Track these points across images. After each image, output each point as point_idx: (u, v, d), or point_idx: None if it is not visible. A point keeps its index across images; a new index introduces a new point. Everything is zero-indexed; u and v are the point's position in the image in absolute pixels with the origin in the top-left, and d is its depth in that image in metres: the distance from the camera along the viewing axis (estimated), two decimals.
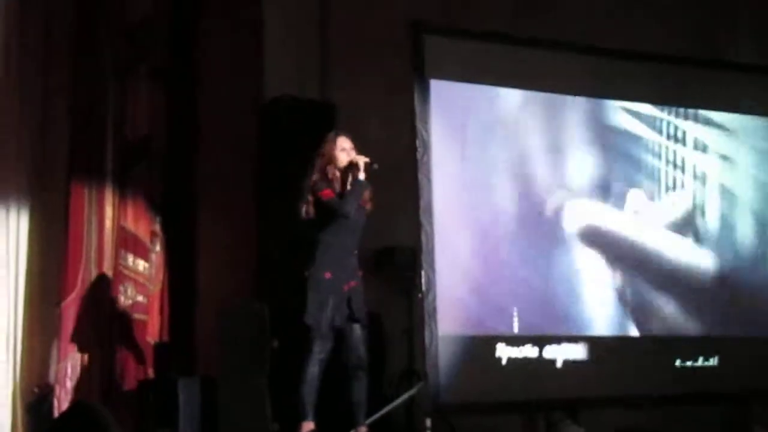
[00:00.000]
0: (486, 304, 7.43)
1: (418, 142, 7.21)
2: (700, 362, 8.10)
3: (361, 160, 5.74)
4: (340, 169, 5.78)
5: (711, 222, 8.36)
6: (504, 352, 7.43)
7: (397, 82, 7.58)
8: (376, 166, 5.76)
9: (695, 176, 8.34)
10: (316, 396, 5.68)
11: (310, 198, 5.75)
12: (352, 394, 5.78)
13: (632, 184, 8.11)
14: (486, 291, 7.45)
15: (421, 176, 7.20)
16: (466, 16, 8.19)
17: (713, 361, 8.13)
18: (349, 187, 5.76)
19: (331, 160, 5.80)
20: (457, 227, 7.39)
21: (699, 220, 8.31)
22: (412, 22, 7.37)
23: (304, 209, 5.78)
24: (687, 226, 8.27)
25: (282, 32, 7.85)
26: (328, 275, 5.65)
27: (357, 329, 5.75)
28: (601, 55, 8.19)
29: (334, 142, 5.85)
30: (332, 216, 5.70)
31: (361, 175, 5.73)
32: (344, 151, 5.81)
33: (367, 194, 5.82)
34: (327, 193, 5.68)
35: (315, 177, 5.76)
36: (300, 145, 7.41)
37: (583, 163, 7.93)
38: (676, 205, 8.26)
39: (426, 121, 7.29)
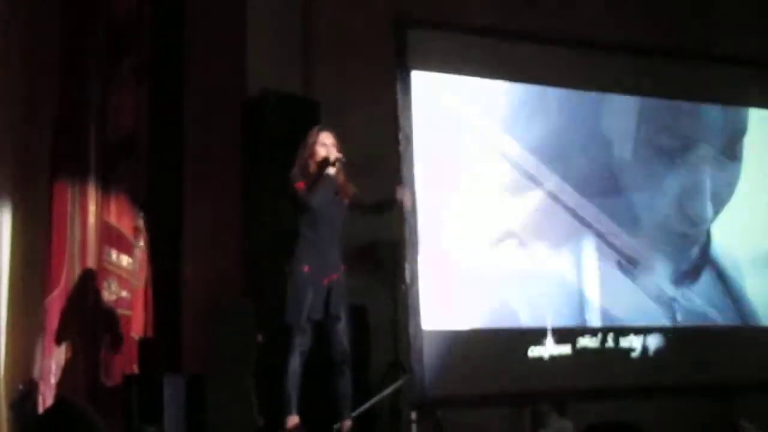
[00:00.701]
0: (470, 297, 7.45)
1: (400, 135, 7.23)
2: (684, 354, 8.13)
3: (332, 156, 5.77)
4: (317, 163, 5.81)
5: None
6: (489, 344, 7.45)
7: (380, 76, 7.58)
8: (344, 159, 5.79)
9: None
10: (300, 390, 5.68)
11: (289, 185, 5.80)
12: (337, 387, 5.80)
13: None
14: (470, 284, 7.47)
15: (404, 169, 7.21)
16: (454, 10, 8.19)
17: (697, 353, 8.17)
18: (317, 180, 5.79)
19: (312, 153, 5.82)
20: (440, 220, 7.40)
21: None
22: (395, 15, 7.37)
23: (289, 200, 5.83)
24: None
25: (265, 27, 7.84)
26: (306, 269, 5.68)
27: (339, 323, 5.76)
28: (586, 47, 8.21)
29: (317, 136, 5.91)
30: (301, 207, 5.74)
31: (331, 170, 5.75)
32: (324, 146, 5.86)
33: (349, 188, 5.85)
34: (300, 185, 5.73)
35: (295, 169, 5.80)
36: (284, 140, 7.43)
37: (569, 155, 7.95)
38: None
39: (409, 116, 7.31)
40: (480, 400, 7.50)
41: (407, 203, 6.05)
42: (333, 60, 8.05)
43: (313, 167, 5.84)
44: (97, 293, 7.26)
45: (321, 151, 5.86)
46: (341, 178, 5.86)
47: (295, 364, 5.68)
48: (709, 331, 8.32)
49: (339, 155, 5.81)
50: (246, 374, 6.50)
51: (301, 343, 5.67)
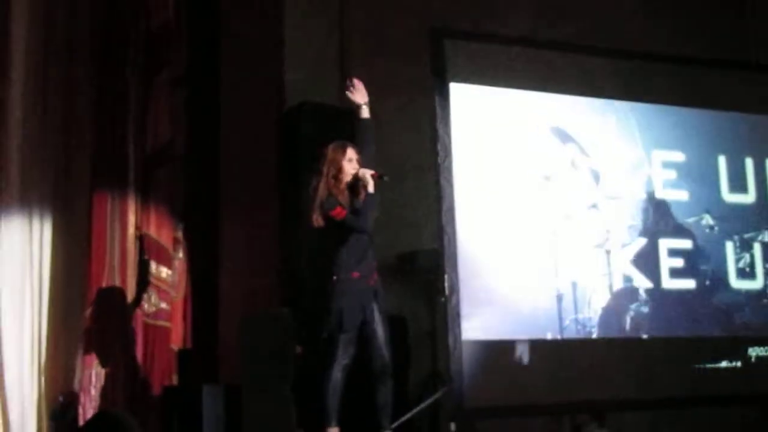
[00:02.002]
0: (509, 307, 7.41)
1: (439, 146, 7.19)
2: (724, 364, 8.04)
3: (368, 174, 5.73)
4: (346, 181, 5.77)
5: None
6: (528, 355, 7.39)
7: (417, 86, 7.57)
8: (386, 178, 5.76)
9: None
10: (340, 401, 5.66)
11: (320, 211, 5.74)
12: (377, 397, 5.76)
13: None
14: (509, 294, 7.42)
15: (442, 180, 7.17)
16: (487, 20, 8.18)
17: (738, 363, 8.08)
18: (363, 201, 5.75)
19: (340, 170, 5.77)
20: (479, 230, 7.37)
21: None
22: (432, 26, 7.35)
23: (314, 218, 5.78)
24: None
25: (302, 38, 7.84)
26: (355, 275, 5.67)
27: (380, 332, 5.74)
28: (624, 57, 8.15)
29: (344, 152, 5.83)
30: (348, 231, 5.72)
31: (371, 188, 5.72)
32: (351, 161, 5.80)
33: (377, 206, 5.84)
34: (339, 212, 5.67)
35: (322, 189, 5.74)
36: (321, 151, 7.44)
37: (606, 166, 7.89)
38: None
39: (447, 125, 7.27)
40: (519, 411, 7.43)
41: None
42: (370, 71, 8.01)
43: (343, 185, 5.79)
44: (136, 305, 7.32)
45: (349, 168, 5.81)
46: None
47: (337, 375, 5.65)
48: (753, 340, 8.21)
49: (374, 172, 5.76)
50: (284, 385, 6.49)
51: (345, 355, 5.65)
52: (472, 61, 7.55)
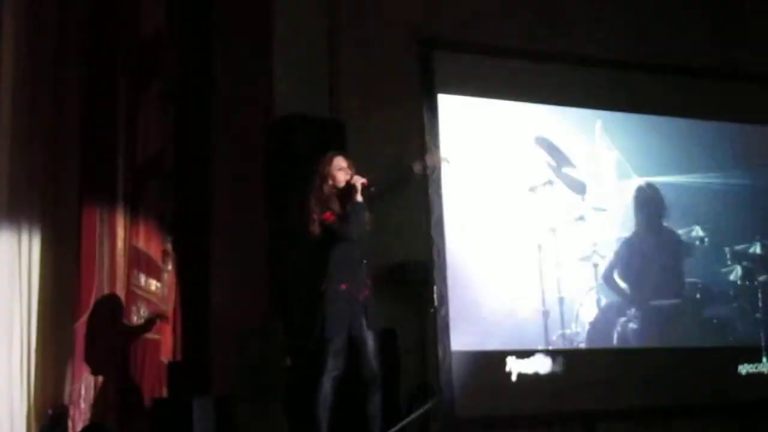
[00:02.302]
0: (499, 319, 7.43)
1: (427, 158, 7.20)
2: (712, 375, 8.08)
3: (359, 182, 5.76)
4: (339, 189, 5.80)
5: None
6: (517, 366, 7.41)
7: (406, 97, 7.59)
8: (373, 189, 5.78)
9: None
10: (330, 412, 5.66)
11: (315, 218, 5.77)
12: (367, 408, 5.77)
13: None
14: (499, 305, 7.45)
15: (431, 192, 7.20)
16: (479, 32, 8.21)
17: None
18: (348, 209, 5.77)
19: (328, 179, 5.81)
20: (468, 242, 7.39)
21: None
22: (421, 38, 7.38)
23: (311, 230, 5.80)
24: None
25: (292, 50, 7.85)
26: (343, 287, 5.67)
27: (370, 342, 5.75)
28: (615, 67, 8.19)
29: (331, 161, 5.89)
30: (335, 238, 5.73)
31: (359, 198, 5.74)
32: (342, 170, 5.83)
33: (366, 215, 5.83)
34: (328, 216, 5.72)
35: (313, 198, 5.78)
36: (311, 162, 7.44)
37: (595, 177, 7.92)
38: None
39: (435, 137, 7.30)
40: (509, 422, 7.45)
41: (422, 168, 5.95)
42: (359, 82, 8.05)
43: (329, 192, 5.82)
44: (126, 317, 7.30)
45: (340, 176, 5.84)
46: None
47: (327, 386, 5.65)
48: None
49: (365, 181, 5.78)
50: (275, 397, 6.50)
51: (335, 366, 5.65)
52: (461, 73, 7.58)
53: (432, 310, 7.11)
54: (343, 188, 5.82)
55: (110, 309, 7.27)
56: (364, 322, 5.71)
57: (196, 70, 8.07)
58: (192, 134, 7.96)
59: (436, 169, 5.88)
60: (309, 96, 7.80)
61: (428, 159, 6.09)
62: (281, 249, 7.44)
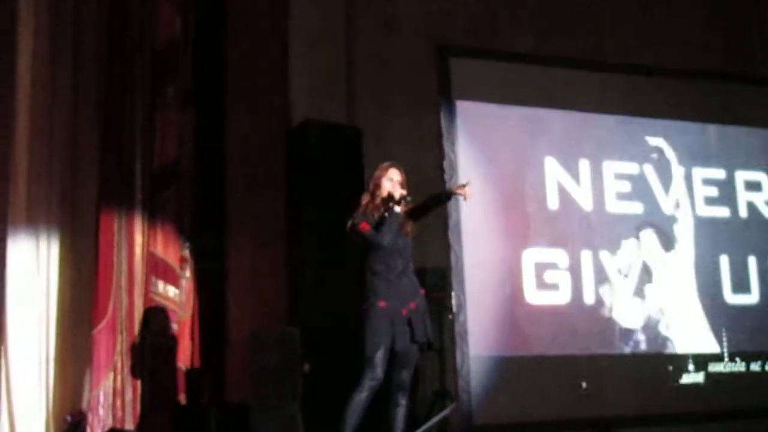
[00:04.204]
0: (516, 324, 7.41)
1: (445, 164, 7.21)
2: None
3: (398, 193, 5.75)
4: (381, 198, 5.78)
5: None
6: (535, 371, 7.39)
7: (423, 104, 7.59)
8: (409, 199, 5.75)
9: None
10: (359, 420, 5.62)
11: (350, 225, 5.76)
12: (394, 417, 5.74)
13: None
14: (516, 310, 7.43)
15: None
16: (494, 37, 8.21)
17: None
18: (385, 219, 5.75)
19: (377, 186, 5.81)
20: (485, 247, 7.38)
21: None
22: (438, 44, 7.37)
23: (348, 235, 5.80)
24: None
25: (308, 56, 7.87)
26: (382, 304, 5.63)
27: (412, 356, 5.72)
28: (629, 72, 8.17)
29: (386, 171, 5.86)
30: (370, 247, 5.71)
31: (397, 208, 5.72)
32: (390, 181, 5.81)
33: (408, 226, 5.81)
34: (363, 227, 5.69)
35: (363, 205, 5.78)
36: (327, 168, 7.46)
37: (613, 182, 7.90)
38: None
39: (453, 143, 7.29)
40: (527, 428, 7.43)
41: (465, 192, 5.93)
42: (376, 88, 8.07)
43: (378, 201, 5.81)
44: (144, 324, 7.31)
45: (387, 186, 5.82)
46: (403, 214, 5.80)
47: (362, 395, 5.61)
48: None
49: (404, 192, 5.77)
50: (292, 403, 6.49)
51: (372, 377, 5.62)
52: (478, 79, 7.57)
53: (450, 316, 7.09)
54: (385, 198, 5.81)
55: (128, 316, 7.30)
56: (407, 336, 5.68)
57: (213, 77, 8.09)
58: (209, 140, 7.97)
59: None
60: (326, 102, 7.81)
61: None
62: (299, 254, 7.46)
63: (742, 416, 7.93)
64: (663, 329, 7.94)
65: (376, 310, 5.61)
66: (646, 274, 7.98)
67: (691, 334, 8.05)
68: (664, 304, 7.98)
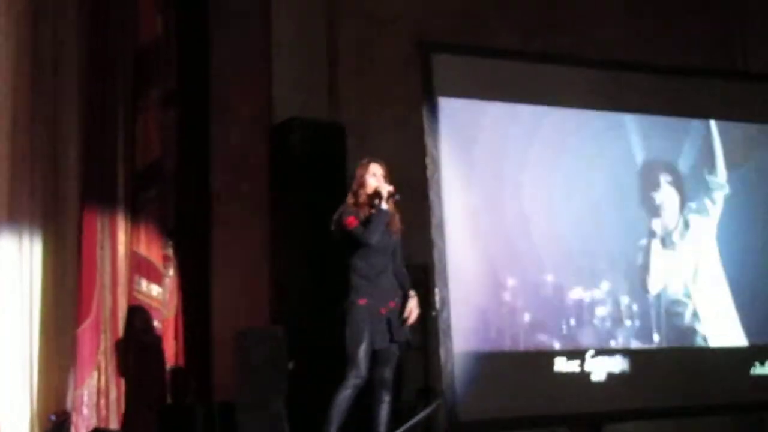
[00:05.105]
0: (500, 320, 7.42)
1: (428, 161, 7.20)
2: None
3: (384, 189, 5.73)
4: (367, 195, 5.77)
5: None
6: (521, 368, 7.40)
7: (406, 101, 7.59)
8: (397, 196, 5.74)
9: None
10: (343, 418, 5.62)
11: (335, 221, 5.75)
12: (377, 414, 5.74)
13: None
14: (500, 307, 7.44)
15: (432, 194, 7.18)
16: (477, 34, 8.22)
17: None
18: (372, 215, 5.73)
19: (362, 184, 5.79)
20: (469, 244, 7.38)
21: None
22: (420, 41, 7.37)
23: (333, 232, 5.79)
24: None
25: (291, 53, 7.88)
26: (362, 302, 5.63)
27: (392, 356, 5.73)
28: (613, 68, 8.18)
29: (367, 167, 5.83)
30: (356, 243, 5.70)
31: (384, 205, 5.71)
32: (374, 177, 5.79)
33: (396, 222, 5.80)
34: (350, 221, 5.68)
35: (349, 200, 5.76)
36: (311, 165, 7.46)
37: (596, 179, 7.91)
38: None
39: (436, 140, 7.28)
40: (513, 424, 7.43)
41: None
42: (359, 85, 8.07)
43: (363, 198, 5.79)
44: (128, 323, 7.30)
45: (371, 183, 5.80)
46: (392, 210, 5.79)
47: (346, 393, 5.60)
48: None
49: (392, 189, 5.75)
50: (277, 401, 6.50)
51: (357, 375, 5.61)
52: (461, 76, 7.57)
53: (434, 313, 7.09)
54: (372, 195, 5.79)
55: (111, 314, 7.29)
56: (386, 335, 5.68)
57: (195, 75, 8.08)
58: (192, 139, 7.96)
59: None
60: (308, 100, 7.82)
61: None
62: (282, 252, 7.46)
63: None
64: (648, 321, 7.96)
65: (356, 307, 5.61)
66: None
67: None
68: (656, 296, 8.01)
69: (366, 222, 5.68)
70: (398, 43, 8.04)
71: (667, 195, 8.21)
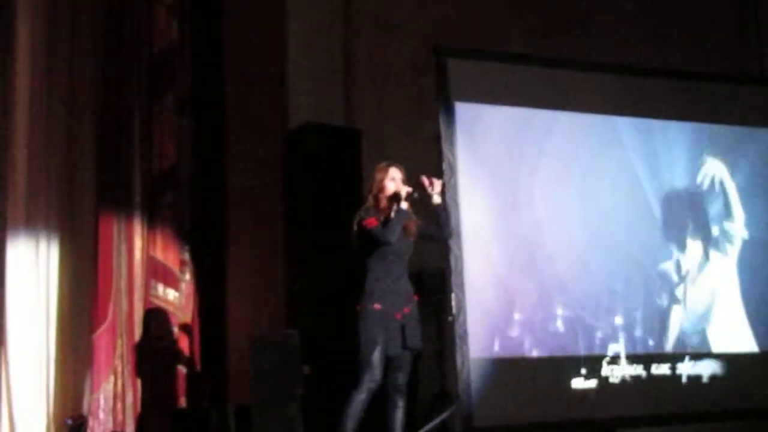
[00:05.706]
0: (516, 326, 7.40)
1: (444, 166, 7.19)
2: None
3: (403, 190, 5.74)
4: (387, 198, 5.77)
5: None
6: (536, 373, 7.39)
7: (421, 105, 7.60)
8: (416, 194, 5.75)
9: None
10: (358, 422, 5.62)
11: (356, 222, 5.75)
12: (393, 419, 5.75)
13: None
14: (516, 311, 7.42)
15: (448, 199, 7.17)
16: (491, 39, 8.22)
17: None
18: (392, 216, 5.74)
19: (381, 188, 5.80)
20: (485, 249, 7.37)
21: None
22: (435, 46, 7.37)
23: (352, 233, 5.79)
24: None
25: (306, 59, 7.89)
26: (377, 307, 5.62)
27: (405, 361, 5.72)
28: (630, 74, 8.16)
29: (386, 170, 5.84)
30: (375, 244, 5.70)
31: (403, 205, 5.72)
32: (393, 180, 5.80)
33: (412, 225, 5.80)
34: (370, 222, 5.68)
35: (367, 204, 5.77)
36: (326, 171, 7.47)
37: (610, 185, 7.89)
38: None
39: (452, 144, 7.28)
40: (529, 430, 7.42)
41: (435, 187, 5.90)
42: (374, 90, 8.08)
43: (383, 202, 5.80)
44: (144, 327, 7.32)
45: (390, 186, 5.81)
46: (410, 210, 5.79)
47: (360, 396, 5.60)
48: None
49: (410, 189, 5.76)
50: (292, 405, 6.50)
51: (371, 379, 5.61)
52: (477, 80, 7.56)
53: (450, 318, 7.08)
54: (391, 198, 5.80)
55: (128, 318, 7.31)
56: (399, 342, 5.68)
57: (211, 81, 8.11)
58: (207, 144, 7.99)
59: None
60: (324, 104, 7.83)
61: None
62: (298, 257, 7.46)
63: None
64: (666, 330, 7.94)
65: (371, 312, 5.60)
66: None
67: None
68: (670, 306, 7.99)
69: (385, 223, 5.69)
70: (413, 48, 8.06)
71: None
